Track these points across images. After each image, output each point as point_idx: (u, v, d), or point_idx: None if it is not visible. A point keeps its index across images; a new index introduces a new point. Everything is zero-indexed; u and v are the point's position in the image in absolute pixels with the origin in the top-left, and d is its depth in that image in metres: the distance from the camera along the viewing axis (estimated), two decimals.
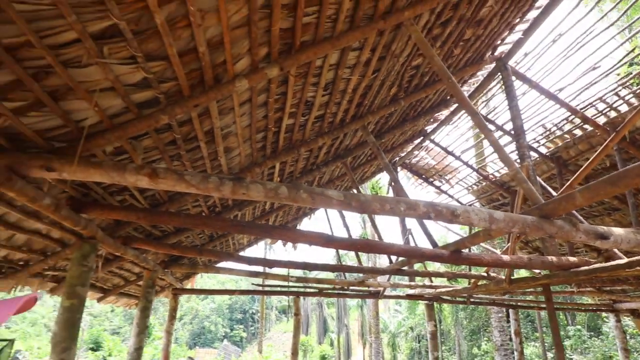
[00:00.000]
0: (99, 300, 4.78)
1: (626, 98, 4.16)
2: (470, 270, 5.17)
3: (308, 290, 6.23)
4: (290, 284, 6.01)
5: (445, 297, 6.34)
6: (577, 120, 4.72)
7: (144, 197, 2.93)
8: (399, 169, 6.97)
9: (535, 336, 22.21)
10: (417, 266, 5.81)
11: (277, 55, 2.15)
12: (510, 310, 7.74)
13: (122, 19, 1.47)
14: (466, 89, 5.22)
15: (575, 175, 3.76)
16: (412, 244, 5.79)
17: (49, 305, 30.50)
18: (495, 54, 4.45)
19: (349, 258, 29.91)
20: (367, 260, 23.50)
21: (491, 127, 5.06)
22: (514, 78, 4.22)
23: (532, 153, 5.27)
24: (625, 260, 2.96)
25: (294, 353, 5.93)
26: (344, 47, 2.44)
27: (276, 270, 5.02)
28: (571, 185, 3.72)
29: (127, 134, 2.04)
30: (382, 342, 24.41)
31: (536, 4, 3.71)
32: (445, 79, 2.43)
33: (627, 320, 13.19)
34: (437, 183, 7.28)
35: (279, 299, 45.43)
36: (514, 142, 4.03)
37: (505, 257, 2.93)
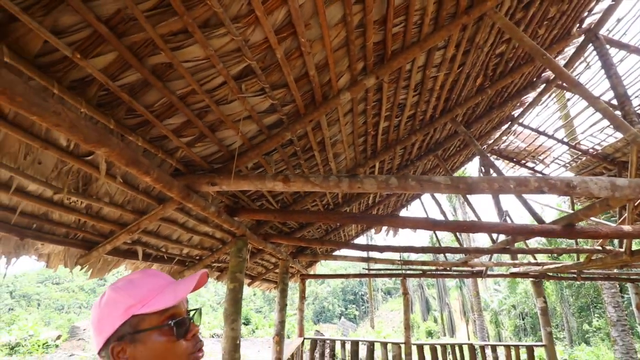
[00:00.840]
0: (249, 284, 5.27)
1: None
2: (576, 244, 4.40)
3: (413, 272, 6.00)
4: (396, 266, 5.87)
5: (551, 274, 5.51)
6: None
7: (276, 201, 3.14)
8: (487, 155, 6.31)
9: None
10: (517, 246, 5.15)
11: (372, 66, 2.12)
12: (629, 285, 6.39)
13: (253, 59, 1.59)
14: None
15: None
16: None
17: (211, 291, 35.03)
18: (584, 26, 3.75)
19: (443, 243, 28.09)
20: (462, 242, 21.78)
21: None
22: (607, 46, 3.51)
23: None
24: None
25: (407, 328, 5.75)
26: (430, 47, 2.29)
27: (383, 255, 4.94)
28: None
29: (262, 152, 2.20)
30: (484, 319, 22.33)
31: None
32: (539, 56, 2.11)
33: None
34: (529, 165, 6.40)
35: (383, 282, 44.87)
36: (619, 111, 3.33)
37: (627, 228, 2.41)
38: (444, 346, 5.68)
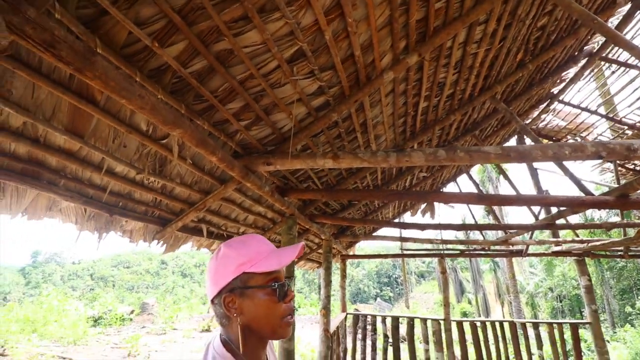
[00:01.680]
0: (295, 264, 5.39)
1: None
2: (623, 218, 4.01)
3: (450, 252, 5.80)
4: (434, 246, 5.71)
5: (596, 252, 5.09)
6: None
7: (320, 183, 3.16)
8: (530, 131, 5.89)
9: None
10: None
11: (414, 44, 2.04)
12: None
13: (304, 42, 1.59)
14: (597, 41, 4.08)
15: None
16: (553, 209, 4.82)
17: None
18: None
19: (473, 234, 26.89)
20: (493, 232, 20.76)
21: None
22: None
23: None
24: None
25: (446, 305, 5.61)
26: (472, 22, 2.16)
27: (422, 235, 4.81)
28: None
29: (310, 133, 2.21)
30: (520, 301, 21.26)
31: None
32: (589, 21, 1.91)
33: None
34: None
35: (416, 265, 44.08)
36: None
37: None
38: (483, 323, 5.48)
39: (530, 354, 5.22)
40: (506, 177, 4.24)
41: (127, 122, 1.51)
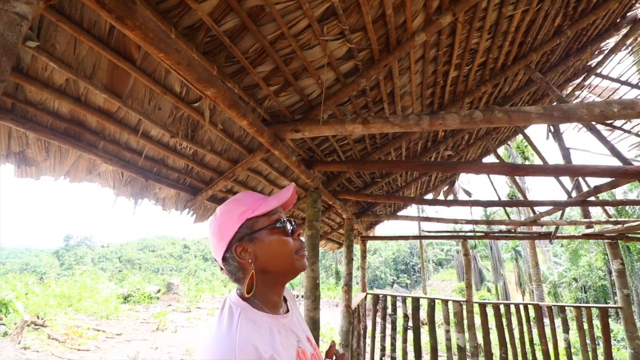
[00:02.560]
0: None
1: None
2: None
3: (474, 234, 5.68)
4: (458, 227, 5.61)
5: (632, 234, 4.84)
6: None
7: (345, 157, 3.13)
8: (568, 102, 5.60)
9: None
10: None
11: (448, 3, 1.95)
12: None
13: None
14: None
15: None
16: (584, 187, 4.61)
17: None
18: None
19: (497, 216, 26.20)
20: (517, 214, 20.15)
21: None
22: None
23: None
24: None
25: (468, 286, 5.53)
26: None
27: (445, 216, 4.73)
28: None
29: (338, 101, 2.17)
30: (543, 290, 20.75)
31: None
32: None
33: None
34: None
35: (434, 253, 43.63)
36: None
37: None
38: (507, 305, 5.38)
39: (555, 338, 5.10)
40: (539, 154, 4.06)
41: (162, 83, 1.53)
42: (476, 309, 5.29)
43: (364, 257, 6.26)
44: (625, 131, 5.49)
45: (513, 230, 5.34)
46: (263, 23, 1.53)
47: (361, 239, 6.33)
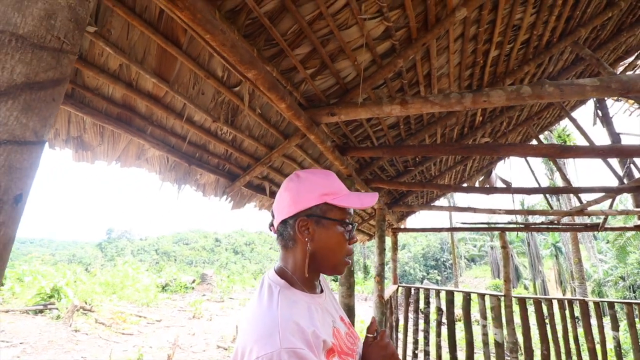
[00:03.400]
0: None
1: None
2: None
3: (513, 226, 5.43)
4: (493, 220, 5.37)
5: None
6: None
7: (379, 144, 3.09)
8: (604, 100, 5.19)
9: None
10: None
11: None
12: None
13: None
14: None
15: None
16: (635, 174, 4.25)
17: None
18: None
19: (539, 207, 24.85)
20: (557, 204, 19.00)
21: None
22: None
23: None
24: None
25: (506, 280, 5.30)
26: None
27: (481, 206, 4.54)
28: None
29: (374, 83, 2.14)
30: (586, 289, 19.48)
31: None
32: None
33: None
34: None
35: (467, 249, 42.19)
36: None
37: None
38: (549, 301, 5.10)
39: (603, 336, 4.78)
40: (588, 141, 3.78)
41: (205, 67, 1.58)
42: (515, 306, 5.07)
43: (395, 249, 6.18)
44: None
45: (556, 222, 5.03)
46: (302, 3, 1.53)
47: (392, 231, 6.25)
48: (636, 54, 4.44)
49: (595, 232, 4.61)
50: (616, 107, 5.65)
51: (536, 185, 4.90)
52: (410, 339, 5.45)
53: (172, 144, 1.88)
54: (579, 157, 2.12)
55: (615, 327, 4.82)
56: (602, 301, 4.93)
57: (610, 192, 3.03)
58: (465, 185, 5.61)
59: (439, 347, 5.28)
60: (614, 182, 3.74)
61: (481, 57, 2.54)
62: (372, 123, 2.79)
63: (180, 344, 7.97)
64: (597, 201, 3.62)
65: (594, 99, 4.99)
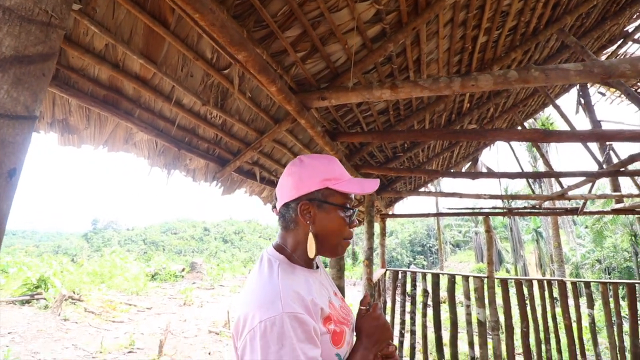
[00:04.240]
0: None
1: None
2: None
3: (496, 211, 5.59)
4: (478, 206, 5.51)
5: None
6: None
7: (369, 130, 3.11)
8: (588, 85, 5.32)
9: None
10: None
11: None
12: None
13: None
14: None
15: None
16: (614, 159, 4.41)
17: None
18: None
19: (522, 193, 25.54)
20: (539, 190, 19.57)
21: None
22: None
23: None
24: None
25: (489, 262, 5.49)
26: None
27: (468, 191, 4.66)
28: None
29: (364, 68, 2.14)
30: (565, 272, 20.35)
31: None
32: None
33: None
34: None
35: (452, 235, 43.23)
36: None
37: None
38: (529, 281, 5.33)
39: (579, 314, 5.04)
40: (571, 127, 3.88)
41: (194, 48, 1.55)
42: (497, 287, 5.27)
43: (383, 234, 6.29)
44: None
45: (538, 206, 5.21)
46: None
47: (380, 217, 6.35)
48: (618, 43, 4.55)
49: (575, 217, 4.80)
50: (597, 96, 5.81)
51: (520, 169, 5.04)
52: (397, 320, 5.63)
53: (160, 127, 1.85)
54: (561, 141, 2.19)
55: (591, 305, 5.09)
56: (579, 281, 5.18)
57: (590, 177, 3.15)
58: (452, 171, 5.71)
59: (424, 327, 5.48)
60: (594, 168, 3.87)
61: (470, 43, 2.56)
62: (362, 109, 2.80)
63: (172, 330, 8.01)
64: (577, 185, 3.76)
65: (577, 88, 5.12)
